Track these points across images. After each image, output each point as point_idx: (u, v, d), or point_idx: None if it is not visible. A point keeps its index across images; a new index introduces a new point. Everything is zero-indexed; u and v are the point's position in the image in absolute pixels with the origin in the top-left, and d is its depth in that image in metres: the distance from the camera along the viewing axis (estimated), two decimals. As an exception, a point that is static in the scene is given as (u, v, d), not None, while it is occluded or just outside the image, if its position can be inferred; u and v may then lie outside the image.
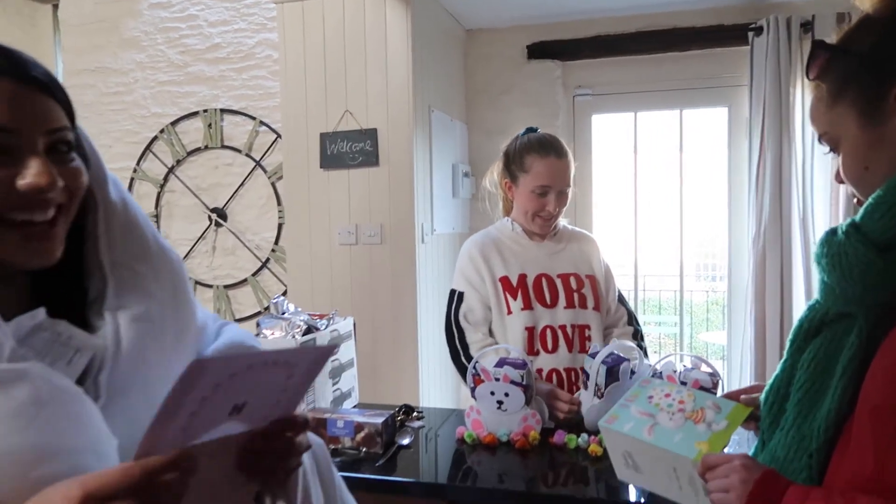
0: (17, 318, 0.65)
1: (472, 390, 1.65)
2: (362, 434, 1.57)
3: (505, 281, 1.83)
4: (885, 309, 0.80)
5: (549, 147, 1.82)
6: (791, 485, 0.84)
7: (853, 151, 0.87)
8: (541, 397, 1.72)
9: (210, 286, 3.39)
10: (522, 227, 1.89)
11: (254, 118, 3.27)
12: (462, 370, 1.80)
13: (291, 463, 0.74)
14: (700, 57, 3.16)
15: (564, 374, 1.80)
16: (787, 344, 0.97)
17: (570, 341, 1.82)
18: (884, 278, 0.78)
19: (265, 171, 3.28)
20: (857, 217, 0.82)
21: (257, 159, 3.28)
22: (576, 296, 1.84)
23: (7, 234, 0.64)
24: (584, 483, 1.44)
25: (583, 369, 1.69)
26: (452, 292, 1.89)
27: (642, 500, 1.33)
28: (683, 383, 1.46)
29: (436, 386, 2.89)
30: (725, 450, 0.98)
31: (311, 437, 0.91)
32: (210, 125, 3.33)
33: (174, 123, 3.40)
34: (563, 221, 1.95)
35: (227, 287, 3.38)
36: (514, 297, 1.81)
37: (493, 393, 1.62)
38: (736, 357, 3.08)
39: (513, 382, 1.60)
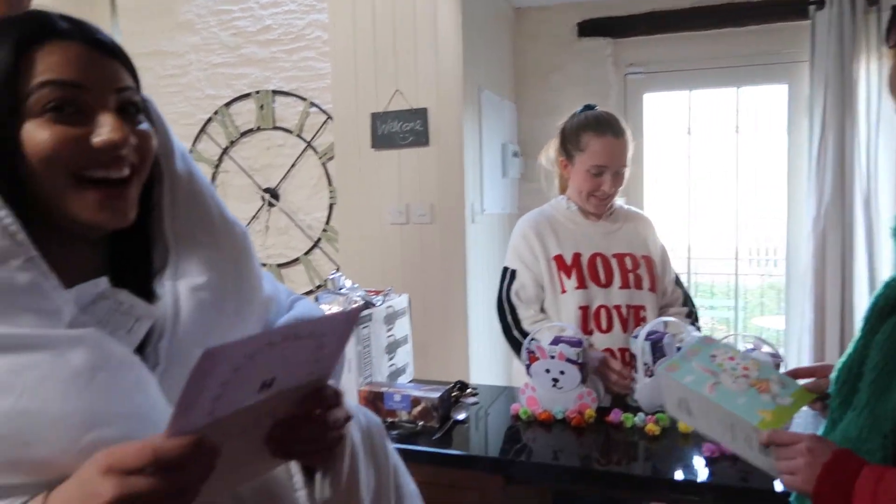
0: (79, 286, 0.66)
1: (527, 367, 1.66)
2: (419, 408, 1.59)
3: (559, 259, 1.82)
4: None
5: (606, 126, 1.79)
6: (865, 465, 0.82)
7: None
8: (593, 367, 1.71)
9: (264, 265, 3.46)
10: (578, 205, 1.88)
11: (304, 99, 3.31)
12: (515, 344, 1.80)
13: (331, 437, 0.71)
14: (758, 32, 3.05)
15: (619, 355, 1.78)
16: (861, 322, 0.95)
17: (625, 322, 1.81)
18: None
19: (316, 152, 3.32)
20: None
21: (308, 140, 3.33)
22: (631, 276, 1.82)
23: (85, 194, 0.65)
24: (640, 462, 1.44)
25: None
26: (505, 270, 1.89)
27: (700, 481, 1.32)
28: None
29: (486, 364, 2.91)
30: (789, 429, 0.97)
31: (370, 417, 0.90)
32: (262, 106, 3.39)
33: (227, 105, 3.46)
34: (619, 201, 1.92)
35: (280, 266, 3.46)
36: (569, 276, 1.80)
37: (548, 371, 1.63)
38: (793, 342, 3.01)
39: (568, 360, 1.61)
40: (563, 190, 1.95)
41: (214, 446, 0.55)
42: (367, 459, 0.83)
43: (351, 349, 1.63)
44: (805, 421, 1.52)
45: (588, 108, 1.87)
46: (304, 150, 3.35)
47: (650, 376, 1.60)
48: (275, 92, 3.37)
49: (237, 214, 0.84)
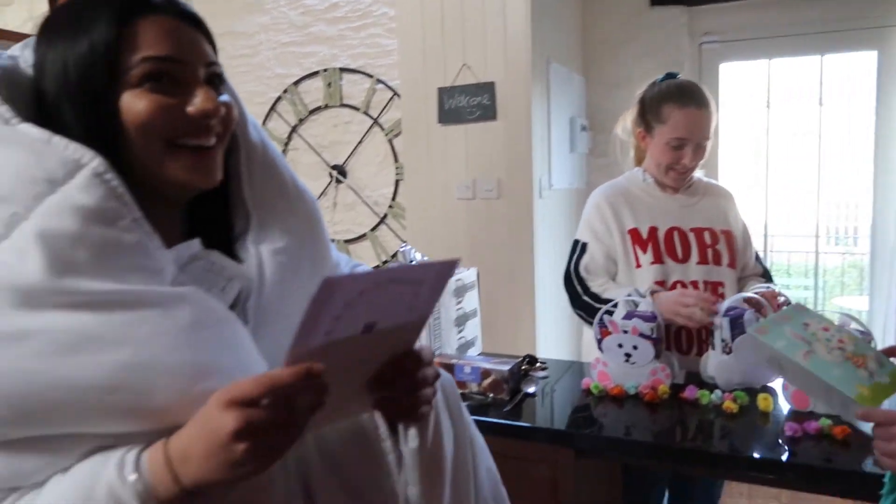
0: (176, 247, 0.70)
1: (599, 342, 1.64)
2: (489, 380, 1.60)
3: (634, 233, 1.77)
4: None
5: (689, 96, 1.71)
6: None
7: None
8: (669, 309, 1.63)
9: (332, 241, 3.52)
10: (654, 178, 1.83)
11: (371, 76, 3.33)
12: (585, 309, 1.75)
13: (423, 394, 0.73)
14: (844, -4, 2.88)
15: (695, 332, 1.73)
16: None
17: (703, 298, 1.75)
18: None
19: (382, 129, 3.35)
20: None
21: (375, 117, 3.35)
22: (710, 251, 1.76)
23: (179, 157, 0.69)
24: (716, 439, 1.40)
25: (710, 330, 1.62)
26: (576, 243, 1.86)
27: (782, 459, 1.28)
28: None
29: (553, 340, 2.90)
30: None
31: (443, 373, 0.92)
32: (329, 84, 3.43)
33: (296, 83, 3.52)
34: (698, 173, 1.85)
35: (347, 241, 3.52)
36: (644, 251, 1.76)
37: (620, 345, 1.60)
38: (878, 322, 2.86)
39: (642, 335, 1.57)
40: (638, 162, 1.89)
41: (323, 377, 0.58)
42: (444, 412, 0.86)
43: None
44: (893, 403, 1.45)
45: (670, 76, 1.79)
46: (371, 126, 3.37)
47: (728, 353, 1.56)
48: (342, 70, 3.40)
49: (307, 191, 0.86)
